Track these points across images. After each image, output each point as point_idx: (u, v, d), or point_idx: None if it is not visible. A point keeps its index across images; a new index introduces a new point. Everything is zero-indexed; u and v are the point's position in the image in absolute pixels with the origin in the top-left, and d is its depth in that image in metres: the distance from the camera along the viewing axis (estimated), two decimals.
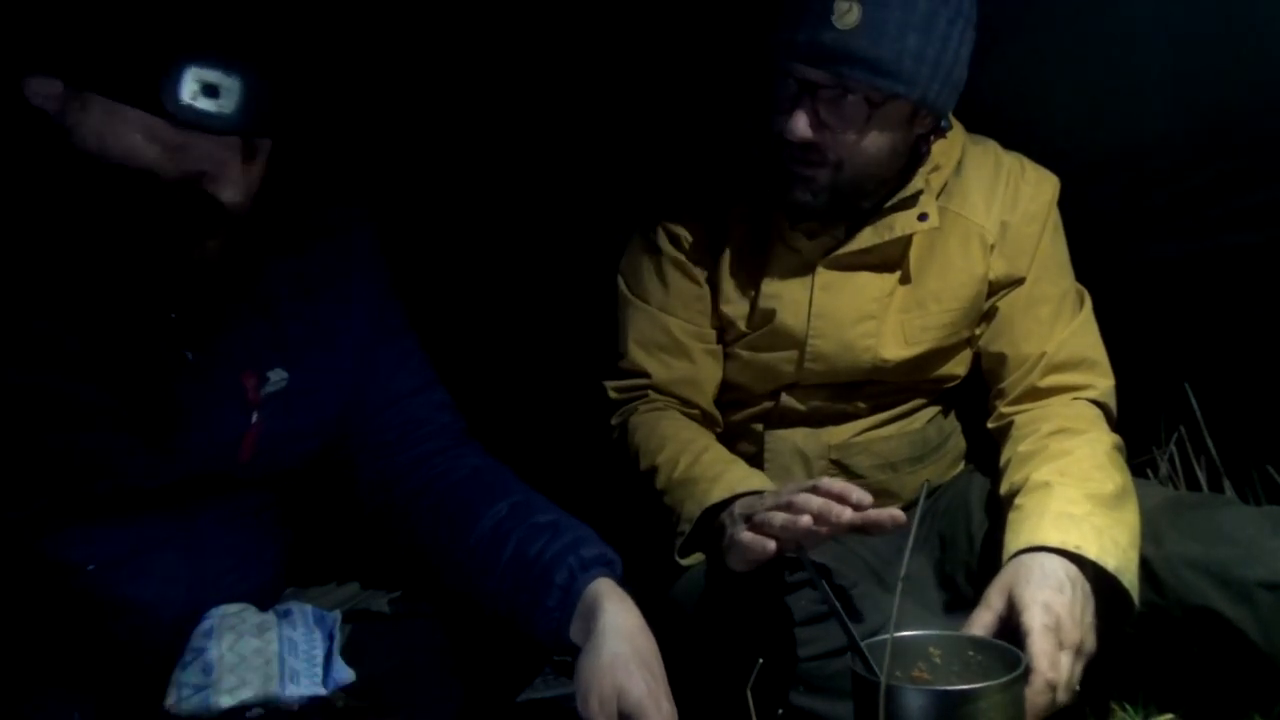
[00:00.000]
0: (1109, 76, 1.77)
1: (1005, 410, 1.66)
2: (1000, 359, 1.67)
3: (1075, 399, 1.62)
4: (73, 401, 1.22)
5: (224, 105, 1.15)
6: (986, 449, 1.74)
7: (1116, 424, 1.63)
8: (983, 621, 1.36)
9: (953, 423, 1.80)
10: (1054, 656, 1.29)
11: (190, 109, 1.13)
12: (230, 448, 1.32)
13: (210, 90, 1.14)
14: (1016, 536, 1.43)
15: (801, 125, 1.48)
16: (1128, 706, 1.51)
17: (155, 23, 1.13)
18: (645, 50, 1.94)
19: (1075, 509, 1.44)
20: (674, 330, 1.67)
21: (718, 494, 1.46)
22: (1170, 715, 1.50)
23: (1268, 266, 1.83)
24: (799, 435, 1.70)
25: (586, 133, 2.03)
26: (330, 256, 1.40)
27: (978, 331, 1.70)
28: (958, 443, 1.81)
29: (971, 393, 1.78)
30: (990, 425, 1.68)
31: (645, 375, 1.68)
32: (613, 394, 1.70)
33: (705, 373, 1.69)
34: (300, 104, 1.23)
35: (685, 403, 1.68)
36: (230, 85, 1.15)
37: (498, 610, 1.35)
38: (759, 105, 1.56)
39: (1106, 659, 1.47)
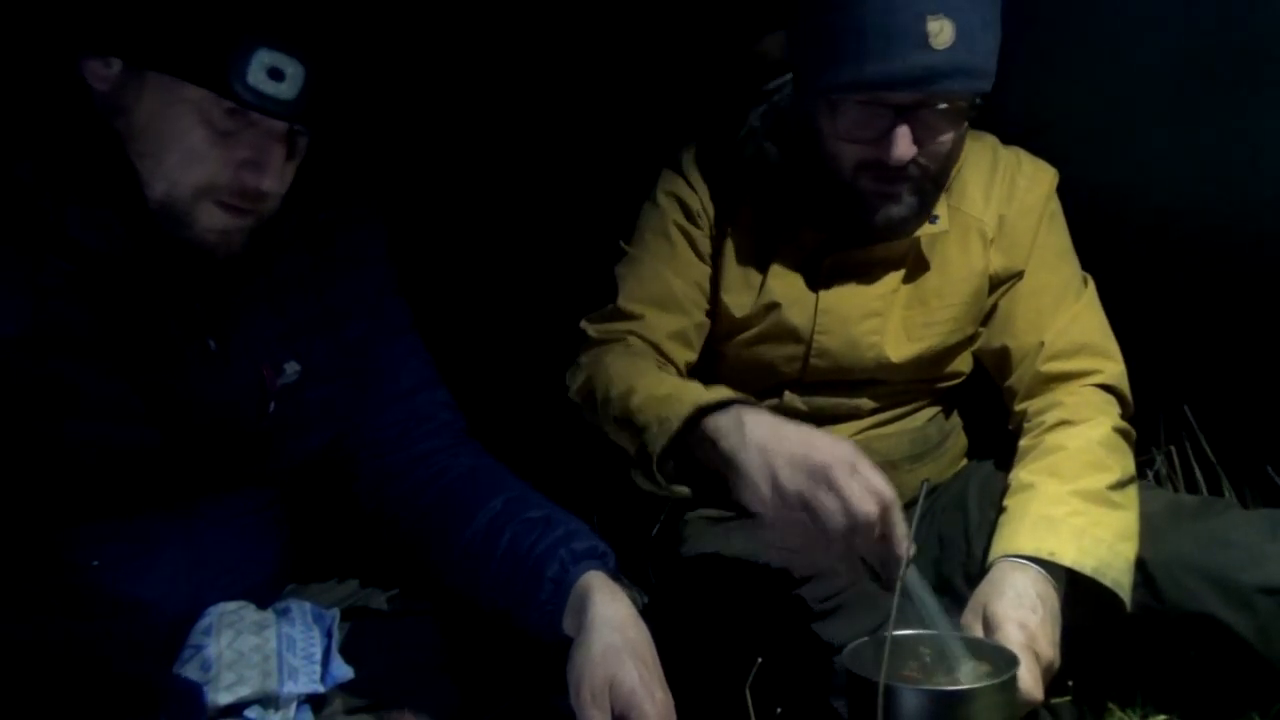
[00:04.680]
0: (1106, 86, 1.77)
1: (1017, 408, 1.65)
2: (1003, 354, 1.66)
3: (1082, 386, 1.61)
4: (89, 391, 1.23)
5: (286, 90, 1.17)
6: (987, 448, 1.74)
7: (1131, 408, 1.63)
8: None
9: (954, 421, 1.80)
10: (1036, 676, 1.30)
11: (255, 90, 1.16)
12: (244, 439, 1.33)
13: (276, 74, 1.16)
14: (997, 542, 1.45)
15: (905, 146, 1.45)
16: (1125, 708, 1.51)
17: (229, 3, 1.15)
18: (645, 51, 1.94)
19: (1057, 510, 1.44)
20: (674, 286, 1.63)
21: (712, 396, 1.32)
22: (1165, 717, 1.50)
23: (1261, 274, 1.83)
24: None
25: (587, 133, 2.03)
26: (338, 251, 1.41)
27: (980, 330, 1.70)
28: (958, 441, 1.80)
29: (973, 392, 1.78)
30: (1010, 427, 1.67)
31: (634, 319, 1.60)
32: (593, 333, 1.61)
33: (693, 335, 1.63)
34: (344, 99, 1.25)
35: (665, 357, 1.60)
36: (294, 72, 1.17)
37: (494, 605, 1.35)
38: (816, 137, 1.53)
39: (1104, 659, 1.48)
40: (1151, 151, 1.78)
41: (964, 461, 1.81)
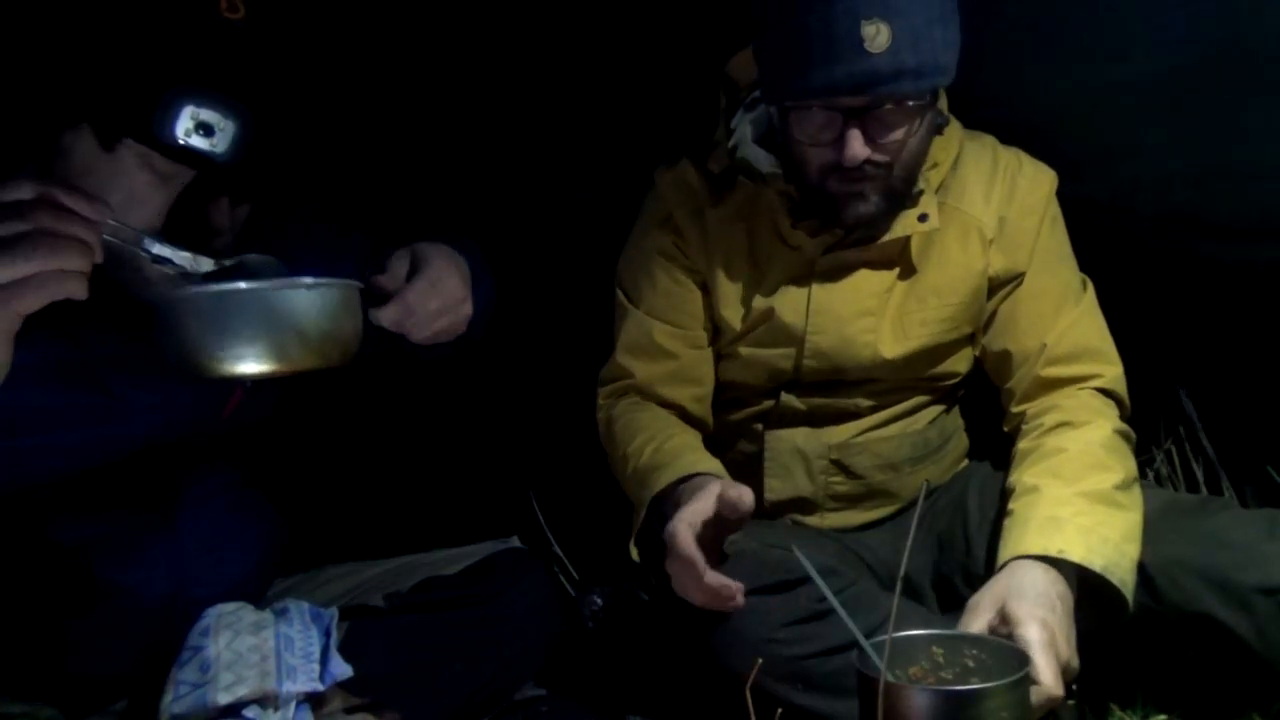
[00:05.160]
0: (1103, 78, 1.77)
1: (1014, 410, 1.65)
2: (1004, 357, 1.66)
3: (1080, 389, 1.61)
4: (65, 404, 1.23)
5: (216, 144, 1.17)
6: (988, 450, 1.74)
7: (1128, 410, 1.63)
8: (975, 627, 1.35)
9: (955, 423, 1.80)
10: (1056, 672, 1.29)
11: (184, 145, 1.16)
12: (215, 403, 1.35)
13: (205, 129, 1.16)
14: (1005, 544, 1.45)
15: (858, 148, 1.48)
16: (1125, 708, 1.51)
17: (157, 59, 1.15)
18: (641, 51, 1.93)
19: (1063, 510, 1.44)
20: (657, 336, 1.70)
21: (664, 480, 1.50)
22: (1165, 717, 1.49)
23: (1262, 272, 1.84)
24: (799, 435, 1.69)
25: (587, 132, 2.02)
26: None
27: (980, 333, 1.69)
28: (959, 443, 1.80)
29: (973, 393, 1.78)
30: (1005, 429, 1.68)
31: (627, 375, 1.72)
32: (601, 399, 1.75)
33: (691, 370, 1.71)
34: (292, 148, 1.25)
35: (664, 403, 1.70)
36: (225, 126, 1.17)
37: None
38: (787, 143, 1.56)
39: (1104, 659, 1.48)
40: (1151, 151, 1.78)
41: (965, 463, 1.81)
